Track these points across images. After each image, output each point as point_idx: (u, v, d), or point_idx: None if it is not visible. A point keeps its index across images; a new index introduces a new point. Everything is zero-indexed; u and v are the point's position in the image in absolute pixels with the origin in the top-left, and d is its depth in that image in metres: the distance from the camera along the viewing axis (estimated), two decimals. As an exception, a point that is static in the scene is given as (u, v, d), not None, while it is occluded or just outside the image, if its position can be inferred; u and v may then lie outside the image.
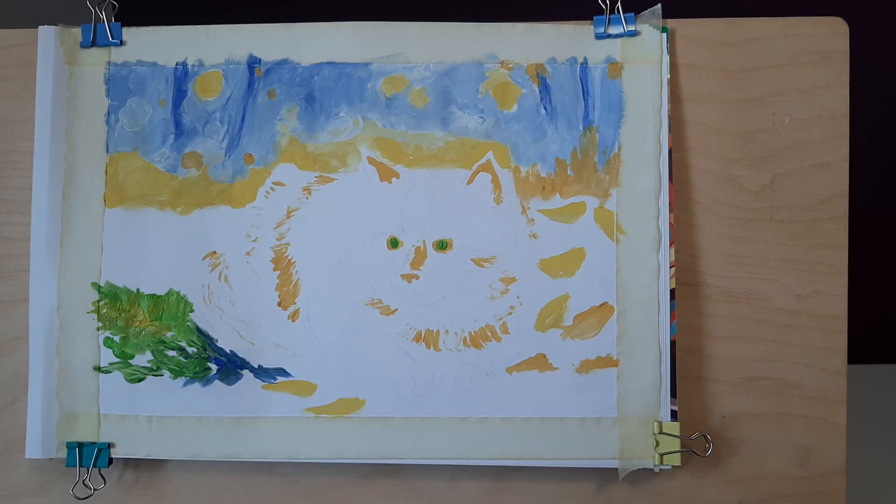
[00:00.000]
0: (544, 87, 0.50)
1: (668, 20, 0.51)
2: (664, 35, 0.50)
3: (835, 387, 0.50)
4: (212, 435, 0.50)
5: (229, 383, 0.50)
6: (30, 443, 0.50)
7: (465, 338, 0.50)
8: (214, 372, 0.50)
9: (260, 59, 0.51)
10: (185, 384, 0.50)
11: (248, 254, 0.51)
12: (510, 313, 0.50)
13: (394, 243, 0.50)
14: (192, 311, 0.51)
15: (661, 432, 0.49)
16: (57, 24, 0.52)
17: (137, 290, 0.51)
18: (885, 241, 1.12)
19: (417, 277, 0.50)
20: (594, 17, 0.51)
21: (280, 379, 0.50)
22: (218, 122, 0.51)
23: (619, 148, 0.50)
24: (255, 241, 0.51)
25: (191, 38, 0.51)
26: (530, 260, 0.50)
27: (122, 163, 0.51)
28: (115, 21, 0.52)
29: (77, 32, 0.52)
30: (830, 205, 0.50)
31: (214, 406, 0.50)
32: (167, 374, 0.51)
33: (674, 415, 0.49)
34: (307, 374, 0.50)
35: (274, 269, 0.51)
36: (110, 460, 0.50)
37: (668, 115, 0.50)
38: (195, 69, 0.51)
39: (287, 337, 0.50)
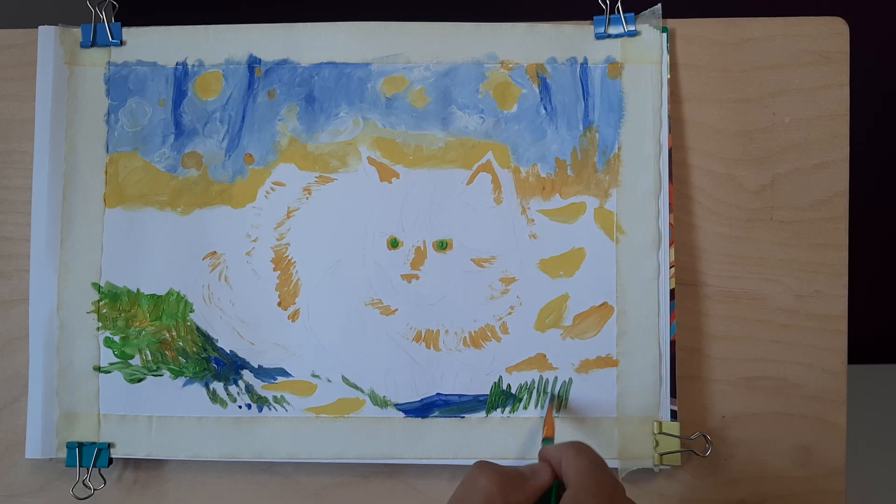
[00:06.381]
0: (544, 88, 0.50)
1: (668, 20, 0.51)
2: (664, 35, 0.50)
3: (835, 387, 0.50)
4: (212, 435, 0.50)
5: (229, 383, 0.50)
6: (30, 443, 0.50)
7: (465, 338, 0.50)
8: (214, 372, 0.50)
9: (260, 59, 0.51)
10: (185, 384, 0.50)
11: (248, 254, 0.51)
12: (510, 313, 0.50)
13: (394, 243, 0.50)
14: (192, 311, 0.51)
15: (660, 432, 0.49)
16: (57, 24, 0.52)
17: (137, 290, 0.51)
18: (885, 241, 1.12)
19: (417, 277, 0.50)
20: (594, 17, 0.51)
21: (280, 379, 0.50)
22: (218, 122, 0.51)
23: (619, 148, 0.50)
24: (255, 241, 0.51)
25: (191, 38, 0.51)
26: (530, 260, 0.50)
27: (122, 163, 0.51)
28: (115, 21, 0.52)
29: (77, 32, 0.52)
30: (830, 205, 0.50)
31: (214, 406, 0.50)
32: (167, 374, 0.51)
33: (673, 415, 0.49)
34: (307, 374, 0.50)
35: (274, 269, 0.51)
36: (110, 460, 0.50)
37: (668, 115, 0.50)
38: (195, 69, 0.51)
39: (287, 337, 0.50)
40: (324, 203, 0.51)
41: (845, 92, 0.50)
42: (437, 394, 0.50)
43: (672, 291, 0.49)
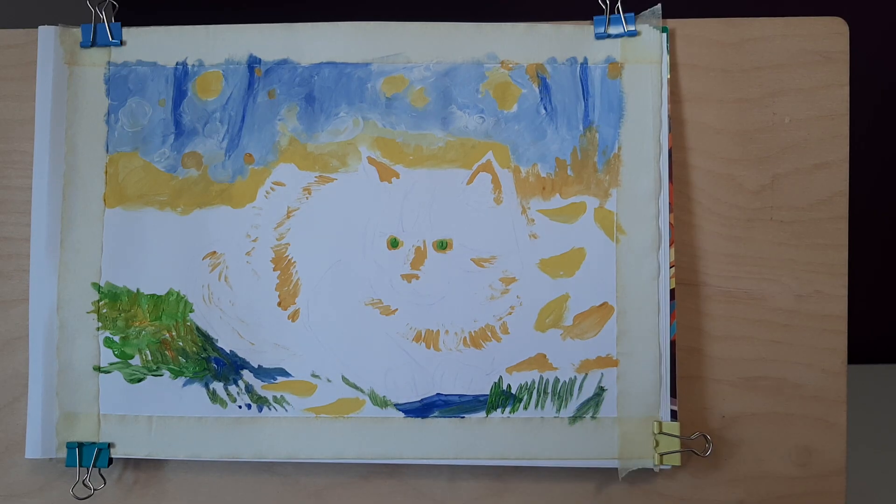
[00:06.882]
0: (544, 87, 0.50)
1: (668, 20, 0.51)
2: (664, 35, 0.50)
3: (835, 387, 0.50)
4: (212, 435, 0.50)
5: (229, 383, 0.50)
6: (30, 443, 0.50)
7: (465, 338, 0.50)
8: (214, 372, 0.50)
9: (260, 59, 0.51)
10: (185, 384, 0.50)
11: (248, 254, 0.51)
12: (510, 313, 0.50)
13: (394, 243, 0.50)
14: (192, 311, 0.51)
15: (660, 432, 0.49)
16: (57, 24, 0.52)
17: (137, 290, 0.51)
18: (885, 241, 1.12)
19: (417, 277, 0.50)
20: (594, 17, 0.51)
21: (280, 379, 0.50)
22: (218, 122, 0.51)
23: (619, 148, 0.50)
24: (255, 241, 0.51)
25: (191, 38, 0.51)
26: (530, 260, 0.50)
27: (122, 163, 0.51)
28: (115, 21, 0.52)
29: (77, 32, 0.52)
30: (830, 205, 0.50)
31: (214, 406, 0.50)
32: (167, 374, 0.51)
33: (673, 415, 0.49)
34: (307, 374, 0.50)
35: (274, 269, 0.51)
36: (110, 460, 0.50)
37: (668, 115, 0.50)
38: (195, 69, 0.51)
39: (287, 337, 0.50)
40: (324, 203, 0.51)
41: (845, 92, 0.50)
42: (437, 394, 0.50)
43: (672, 291, 0.49)
